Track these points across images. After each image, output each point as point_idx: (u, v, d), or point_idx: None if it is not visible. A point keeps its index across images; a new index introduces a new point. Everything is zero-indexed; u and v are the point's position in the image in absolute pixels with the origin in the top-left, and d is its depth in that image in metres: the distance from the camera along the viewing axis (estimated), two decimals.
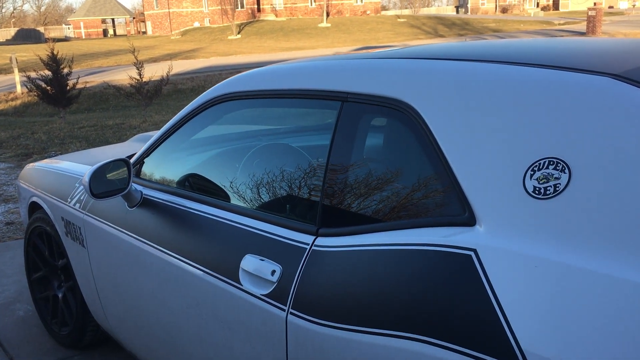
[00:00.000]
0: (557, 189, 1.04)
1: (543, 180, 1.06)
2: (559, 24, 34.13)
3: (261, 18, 47.68)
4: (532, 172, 1.08)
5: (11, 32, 54.07)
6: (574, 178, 1.03)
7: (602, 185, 1.00)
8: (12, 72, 15.96)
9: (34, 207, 2.90)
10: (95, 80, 17.03)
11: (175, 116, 2.05)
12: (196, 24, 48.51)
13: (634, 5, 51.86)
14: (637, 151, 0.99)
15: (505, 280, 1.04)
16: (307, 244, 1.42)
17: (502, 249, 1.07)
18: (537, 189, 1.07)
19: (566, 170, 1.05)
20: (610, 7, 52.84)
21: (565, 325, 0.95)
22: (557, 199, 1.04)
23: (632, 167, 0.99)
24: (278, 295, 1.42)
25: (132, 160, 2.19)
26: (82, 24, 56.46)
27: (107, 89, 13.93)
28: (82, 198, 2.37)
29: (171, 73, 11.78)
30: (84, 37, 54.96)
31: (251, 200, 1.71)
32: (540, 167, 1.08)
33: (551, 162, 1.07)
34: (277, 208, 1.65)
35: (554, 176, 1.06)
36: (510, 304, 1.01)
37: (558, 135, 1.08)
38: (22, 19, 75.88)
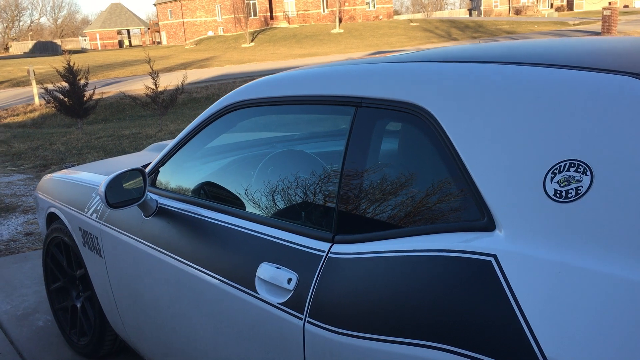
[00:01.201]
0: (579, 191, 1.02)
1: (564, 183, 1.04)
2: (574, 25, 33.84)
3: (274, 25, 47.90)
4: (552, 175, 1.06)
5: (29, 45, 54.89)
6: (596, 180, 1.01)
7: (626, 188, 0.97)
8: (30, 84, 16.19)
9: (52, 218, 2.92)
10: (111, 90, 17.21)
11: (189, 125, 2.05)
12: (210, 33, 48.87)
13: None
14: None
15: (526, 286, 1.01)
16: (324, 252, 1.40)
17: (522, 254, 1.04)
18: (558, 192, 1.04)
19: (588, 173, 1.02)
20: (626, 6, 52.29)
21: (591, 334, 0.92)
22: (579, 203, 1.01)
23: None
24: (295, 303, 1.40)
25: (147, 170, 2.20)
26: (98, 36, 57.18)
27: (123, 99, 14.07)
28: (98, 208, 2.38)
29: (186, 82, 11.87)
30: (100, 48, 55.64)
31: (266, 208, 1.70)
32: (561, 170, 1.05)
33: (572, 165, 1.04)
34: (293, 215, 1.64)
35: (576, 179, 1.03)
36: (533, 311, 0.99)
37: (578, 136, 1.06)
38: (39, 32, 77.00)
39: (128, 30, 60.44)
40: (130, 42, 60.50)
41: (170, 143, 2.16)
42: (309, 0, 51.24)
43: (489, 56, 1.39)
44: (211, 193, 1.97)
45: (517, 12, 59.80)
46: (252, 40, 40.00)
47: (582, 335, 0.92)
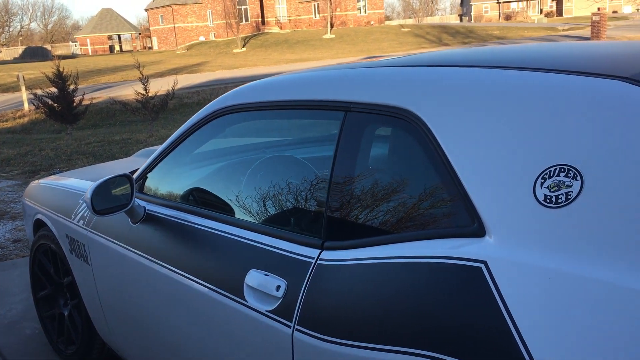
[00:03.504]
0: (569, 197, 1.01)
1: (554, 189, 1.03)
2: (563, 30, 34.07)
3: (266, 31, 47.91)
4: (542, 180, 1.05)
5: (19, 50, 54.55)
6: (586, 186, 1.00)
7: (616, 193, 0.96)
8: (20, 90, 16.07)
9: (39, 225, 2.89)
10: (101, 96, 17.13)
11: (178, 130, 2.03)
12: (201, 38, 48.81)
13: (637, 10, 51.78)
14: None
15: (517, 293, 1.00)
16: (313, 258, 1.39)
17: (513, 260, 1.03)
18: (548, 197, 1.03)
19: (578, 178, 1.01)
20: (614, 11, 52.74)
21: (581, 340, 0.91)
22: (569, 208, 1.00)
23: None
24: (283, 311, 1.38)
25: (135, 176, 2.17)
26: (88, 41, 56.96)
27: (113, 104, 14.00)
28: (85, 215, 2.35)
29: (177, 87, 11.82)
30: (90, 53, 55.42)
31: (255, 214, 1.68)
32: (551, 175, 1.04)
33: (562, 170, 1.03)
34: (282, 221, 1.62)
35: (566, 184, 1.02)
36: (523, 317, 0.97)
37: (568, 141, 1.05)
38: (29, 37, 76.58)
39: (119, 36, 60.25)
40: (121, 47, 60.30)
41: (159, 149, 2.14)
42: (301, 6, 51.35)
43: (479, 61, 1.38)
44: (199, 199, 1.94)
45: (507, 17, 60.19)
46: (243, 46, 39.99)
47: (572, 342, 0.91)
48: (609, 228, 0.95)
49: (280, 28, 49.72)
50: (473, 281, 1.06)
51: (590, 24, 25.08)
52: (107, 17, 58.62)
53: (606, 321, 0.89)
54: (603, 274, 0.93)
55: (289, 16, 51.45)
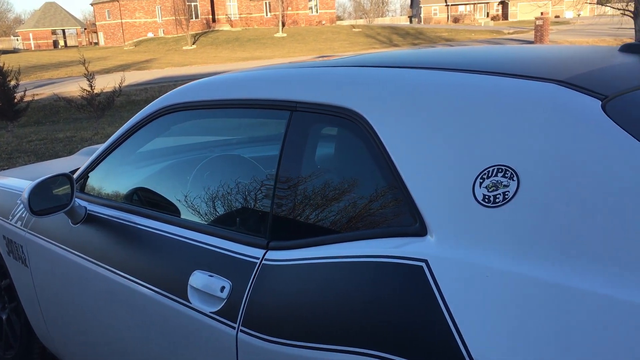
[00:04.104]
0: (506, 196, 1.03)
1: (492, 189, 1.05)
2: (508, 33, 35.04)
3: (216, 28, 47.39)
4: (481, 180, 1.07)
5: None
6: (522, 185, 1.02)
7: (550, 193, 1.00)
8: None
9: None
10: (45, 92, 16.58)
11: (121, 128, 1.98)
12: (150, 35, 47.87)
13: (578, 15, 53.76)
14: (583, 156, 0.99)
15: (456, 290, 1.02)
16: (258, 259, 1.38)
17: (453, 259, 1.05)
18: (487, 197, 1.05)
19: (515, 178, 1.04)
20: (557, 16, 54.56)
21: (517, 335, 0.93)
22: (506, 207, 1.03)
23: (578, 173, 0.98)
24: (228, 312, 1.37)
25: (75, 175, 2.11)
26: (31, 35, 55.06)
27: (57, 101, 13.56)
28: (23, 215, 2.27)
29: (124, 84, 11.58)
30: (33, 48, 53.56)
31: (200, 214, 1.66)
32: (490, 175, 1.06)
33: (500, 170, 1.06)
34: (227, 222, 1.60)
35: (503, 184, 1.04)
36: (461, 314, 0.99)
37: (506, 142, 1.07)
38: None
39: (63, 30, 58.46)
40: (65, 42, 58.52)
41: (101, 147, 2.08)
42: (252, 4, 51.03)
43: (421, 62, 1.40)
44: (143, 199, 1.90)
45: (456, 20, 61.48)
46: (193, 43, 39.45)
47: (507, 336, 0.94)
48: (543, 227, 0.98)
49: (231, 26, 49.28)
50: (415, 280, 1.07)
51: (534, 27, 25.87)
52: (51, 11, 56.79)
53: (537, 316, 0.92)
54: (536, 272, 0.96)
55: (240, 14, 51.05)
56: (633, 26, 16.02)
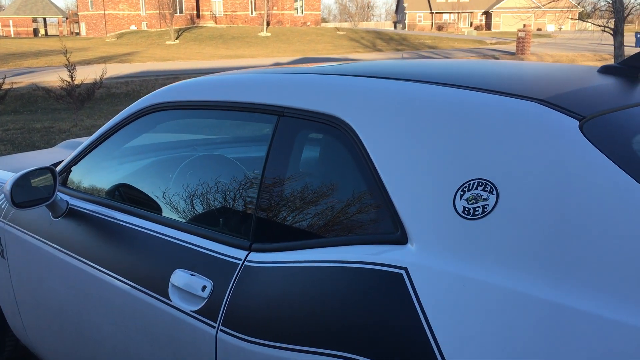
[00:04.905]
0: (485, 209, 1.07)
1: (472, 201, 1.09)
2: (491, 44, 35.45)
3: (200, 24, 47.11)
4: (462, 193, 1.11)
5: None
6: (501, 199, 1.06)
7: (527, 208, 1.04)
8: None
9: None
10: (23, 81, 16.33)
11: (107, 124, 1.98)
12: (133, 28, 47.40)
13: (560, 29, 54.58)
14: (560, 174, 1.03)
15: (434, 299, 1.05)
16: (240, 260, 1.40)
17: (432, 268, 1.08)
18: (467, 209, 1.09)
19: (494, 192, 1.07)
20: (539, 29, 55.37)
21: (492, 344, 0.97)
22: (485, 220, 1.06)
23: (555, 190, 1.02)
24: (208, 311, 1.39)
25: (58, 168, 2.10)
26: (11, 22, 54.10)
27: (36, 90, 13.38)
28: (2, 206, 2.25)
29: (105, 76, 11.45)
30: (12, 35, 52.66)
31: (183, 213, 1.67)
32: (470, 188, 1.10)
33: (480, 184, 1.09)
34: (211, 221, 1.62)
35: (483, 197, 1.08)
36: (438, 322, 1.03)
37: (487, 157, 1.11)
38: None
39: (44, 19, 57.60)
40: (46, 31, 57.64)
41: (85, 141, 2.08)
42: (237, 2, 50.83)
43: (409, 74, 1.43)
44: (126, 195, 1.91)
45: (439, 28, 62.00)
46: (177, 38, 39.16)
47: (481, 345, 0.97)
48: (520, 240, 1.02)
49: (216, 23, 49.03)
50: (394, 286, 1.10)
51: (516, 39, 26.23)
52: None
53: (512, 326, 0.96)
54: (511, 283, 1.00)
55: (225, 11, 50.82)
56: (612, 43, 16.35)
